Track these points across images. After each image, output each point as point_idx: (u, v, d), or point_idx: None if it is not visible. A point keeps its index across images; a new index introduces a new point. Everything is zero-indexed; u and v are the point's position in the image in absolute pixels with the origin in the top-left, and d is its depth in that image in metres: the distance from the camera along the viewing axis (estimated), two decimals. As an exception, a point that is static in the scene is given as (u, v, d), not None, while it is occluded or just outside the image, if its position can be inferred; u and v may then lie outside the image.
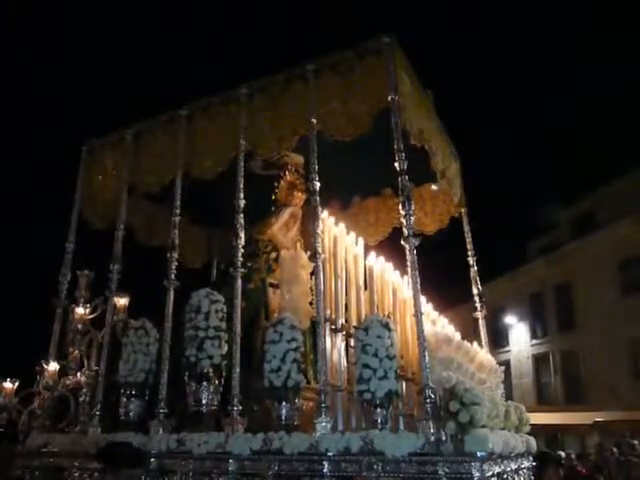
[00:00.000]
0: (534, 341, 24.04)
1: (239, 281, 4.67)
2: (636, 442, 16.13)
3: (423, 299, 5.01)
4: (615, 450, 15.15)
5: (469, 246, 6.24)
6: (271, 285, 5.70)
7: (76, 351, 5.56)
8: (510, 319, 24.63)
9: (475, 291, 6.06)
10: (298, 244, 5.67)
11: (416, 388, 4.19)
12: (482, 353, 5.05)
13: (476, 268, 6.15)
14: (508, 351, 24.72)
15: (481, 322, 5.92)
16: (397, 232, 7.02)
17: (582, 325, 21.31)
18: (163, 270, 5.50)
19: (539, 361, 23.64)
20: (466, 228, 6.35)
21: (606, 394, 18.64)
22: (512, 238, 25.81)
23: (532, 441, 5.01)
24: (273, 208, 6.07)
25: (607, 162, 23.01)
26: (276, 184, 6.08)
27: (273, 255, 5.73)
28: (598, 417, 18.33)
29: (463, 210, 6.42)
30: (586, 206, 22.61)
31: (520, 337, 24.63)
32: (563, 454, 11.77)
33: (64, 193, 6.35)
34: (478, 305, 6.00)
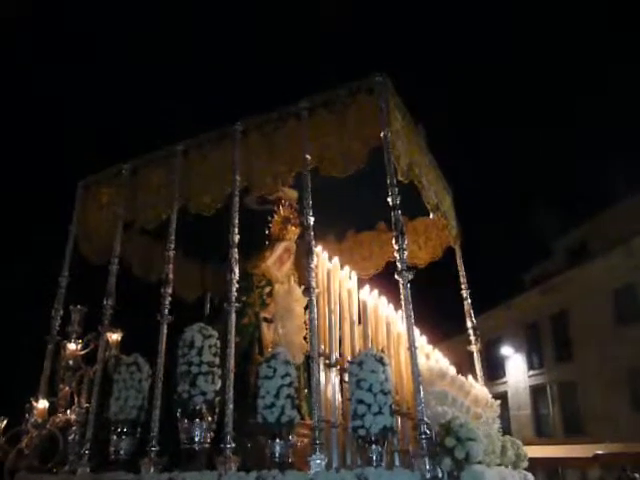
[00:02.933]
0: (531, 372, 23.87)
1: (233, 315, 4.65)
2: (637, 475, 15.94)
3: (417, 332, 5.01)
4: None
5: (462, 279, 6.26)
6: (265, 320, 5.68)
7: (66, 388, 5.47)
8: (506, 350, 24.49)
9: (469, 324, 6.05)
10: (292, 278, 5.68)
11: (411, 423, 4.14)
12: (477, 387, 5.01)
13: (470, 301, 6.15)
14: (505, 382, 24.53)
15: (476, 355, 5.89)
16: (390, 265, 7.09)
17: (579, 355, 21.22)
18: (156, 305, 5.50)
19: (537, 392, 23.43)
20: (459, 261, 6.38)
21: (605, 426, 18.45)
22: (507, 268, 25.90)
23: (530, 477, 4.95)
24: (267, 242, 6.09)
25: (599, 191, 23.32)
26: (270, 218, 6.12)
27: (267, 289, 5.72)
28: (598, 449, 18.10)
29: (457, 244, 6.46)
30: (579, 235, 22.80)
31: (517, 368, 24.45)
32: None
33: (59, 227, 6.35)
34: (472, 338, 5.99)
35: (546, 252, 25.00)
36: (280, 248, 6.03)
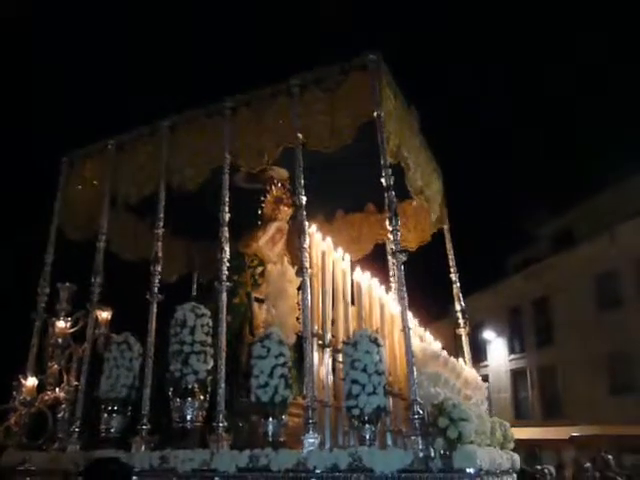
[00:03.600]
0: (512, 356, 24.23)
1: (224, 295, 4.63)
2: (610, 457, 16.33)
3: (410, 315, 5.04)
4: (589, 465, 15.32)
5: (451, 263, 6.27)
6: (256, 300, 5.66)
7: (55, 365, 5.42)
8: (489, 334, 24.79)
9: (458, 307, 6.09)
10: (285, 258, 5.66)
11: (403, 404, 4.17)
12: (467, 369, 5.06)
13: (459, 284, 6.18)
14: (486, 366, 24.86)
15: (464, 338, 5.94)
16: (378, 248, 7.10)
17: (559, 340, 21.56)
18: (142, 283, 5.44)
19: (517, 376, 23.82)
20: (448, 245, 6.38)
21: (584, 409, 18.83)
22: (491, 253, 26.10)
23: (516, 458, 5.03)
24: (259, 222, 6.04)
25: (587, 178, 23.50)
26: (262, 198, 6.07)
27: (259, 269, 5.70)
28: (574, 432, 18.50)
29: (446, 227, 6.46)
30: (565, 222, 23.00)
31: (498, 352, 24.80)
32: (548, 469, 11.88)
33: (44, 203, 6.24)
34: (461, 321, 6.03)
35: (531, 238, 25.21)
36: (272, 228, 6.00)
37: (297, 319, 4.93)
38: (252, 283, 5.65)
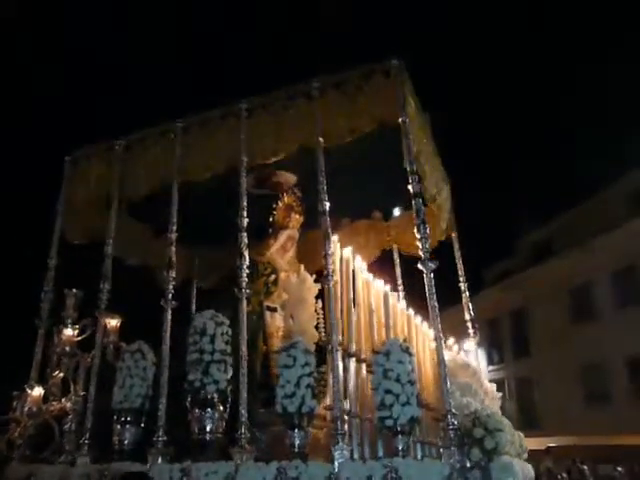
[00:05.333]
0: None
1: (244, 303, 4.54)
2: (585, 467, 16.54)
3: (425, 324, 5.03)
4: (565, 475, 15.49)
5: (460, 272, 6.28)
6: (268, 308, 5.57)
7: (60, 374, 5.22)
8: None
9: (467, 317, 6.09)
10: (301, 266, 5.58)
11: (430, 415, 4.13)
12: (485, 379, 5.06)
13: (468, 294, 6.19)
14: (465, 377, 24.98)
15: (476, 348, 5.94)
16: (384, 254, 7.07)
17: (536, 351, 21.85)
18: (144, 289, 5.25)
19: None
20: (457, 254, 6.40)
21: (559, 420, 19.09)
22: (469, 264, 26.26)
23: (530, 468, 5.03)
24: (271, 230, 5.96)
25: (566, 191, 23.89)
26: (274, 205, 5.99)
27: (272, 277, 5.61)
28: (551, 442, 18.72)
29: (454, 235, 6.48)
30: (543, 234, 23.38)
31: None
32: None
33: (46, 205, 6.03)
34: (471, 331, 6.04)
35: (510, 250, 25.55)
36: (284, 236, 5.93)
37: (316, 328, 4.86)
38: (265, 291, 5.55)
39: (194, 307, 6.86)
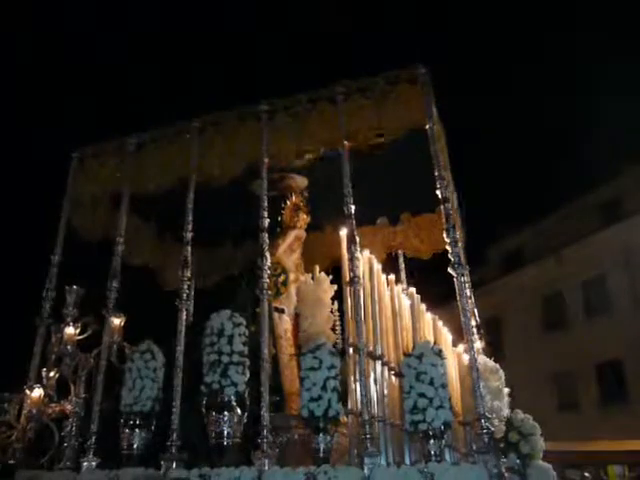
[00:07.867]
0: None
1: (265, 304, 4.41)
2: (554, 474, 16.82)
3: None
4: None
5: (467, 278, 6.28)
6: (276, 309, 5.46)
7: (57, 375, 4.97)
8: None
9: (474, 323, 6.07)
10: (317, 267, 5.48)
11: (457, 419, 4.09)
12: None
13: (473, 300, 6.18)
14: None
15: (483, 352, 5.92)
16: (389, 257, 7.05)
17: (510, 359, 22.17)
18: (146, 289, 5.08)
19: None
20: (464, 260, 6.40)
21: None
22: (442, 272, 26.53)
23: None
24: (278, 230, 5.86)
25: (538, 199, 24.36)
26: (283, 205, 5.91)
27: (282, 278, 5.50)
28: (522, 448, 19.03)
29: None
30: (515, 243, 23.80)
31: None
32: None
33: (51, 202, 5.80)
34: (477, 337, 6.02)
35: (481, 258, 25.89)
36: (291, 236, 5.84)
37: (332, 329, 4.78)
38: (275, 292, 5.42)
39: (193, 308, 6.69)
